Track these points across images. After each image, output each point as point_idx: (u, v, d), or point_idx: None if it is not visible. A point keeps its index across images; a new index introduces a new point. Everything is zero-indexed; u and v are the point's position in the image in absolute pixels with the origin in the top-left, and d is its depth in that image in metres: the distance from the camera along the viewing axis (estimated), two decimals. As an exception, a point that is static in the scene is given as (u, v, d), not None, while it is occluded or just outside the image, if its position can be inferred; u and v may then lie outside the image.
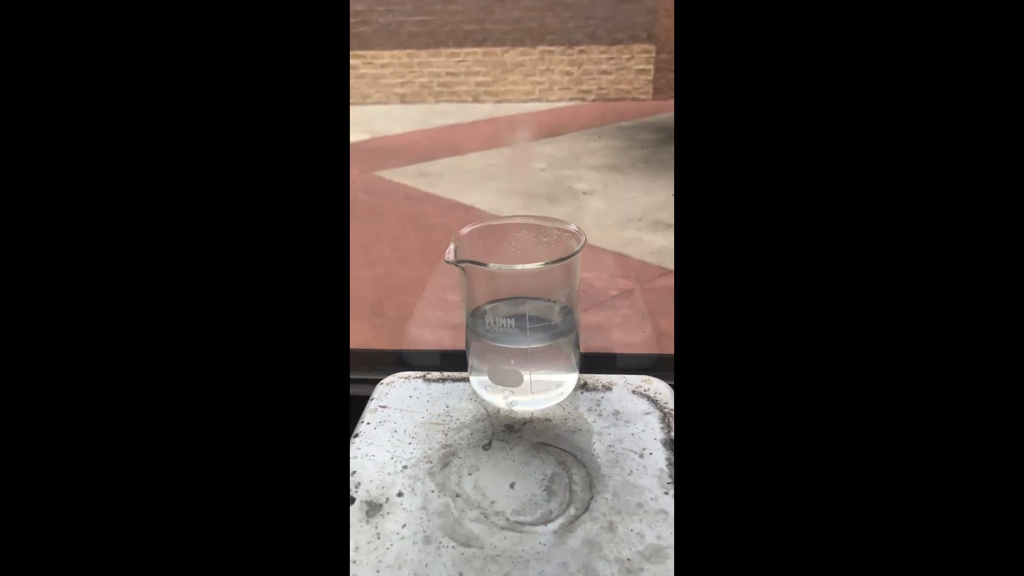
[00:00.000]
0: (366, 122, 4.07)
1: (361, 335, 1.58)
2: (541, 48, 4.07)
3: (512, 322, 0.36)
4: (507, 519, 0.31)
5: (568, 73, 4.08)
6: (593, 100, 4.06)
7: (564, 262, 0.35)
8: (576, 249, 0.36)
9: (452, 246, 0.36)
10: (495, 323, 0.36)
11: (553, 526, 0.30)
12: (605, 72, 4.01)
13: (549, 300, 0.38)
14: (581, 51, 4.02)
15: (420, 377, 0.43)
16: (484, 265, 0.35)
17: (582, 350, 0.46)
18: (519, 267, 0.35)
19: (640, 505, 0.31)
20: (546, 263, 0.35)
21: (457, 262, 0.35)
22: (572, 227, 0.38)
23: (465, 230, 0.38)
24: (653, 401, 0.39)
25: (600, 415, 0.38)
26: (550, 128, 3.65)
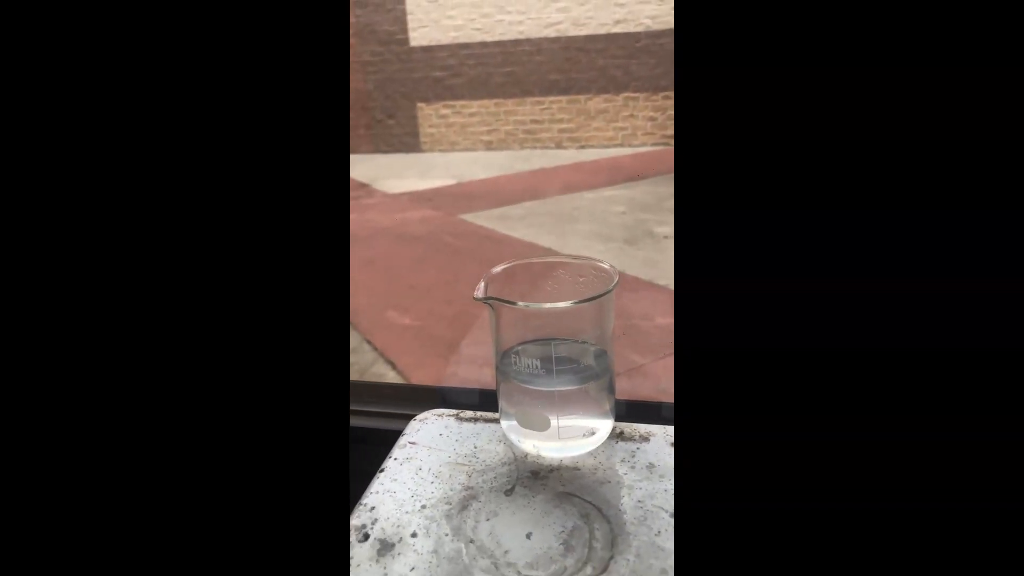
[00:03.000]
0: (453, 167, 4.25)
1: (437, 371, 1.61)
2: (625, 95, 4.10)
3: (538, 363, 0.35)
4: (518, 571, 0.29)
5: (652, 119, 4.08)
6: (678, 144, 4.01)
7: (595, 301, 0.34)
8: (608, 288, 0.34)
9: (482, 283, 0.36)
10: (521, 364, 0.35)
11: (566, 584, 0.28)
12: (690, 116, 3.96)
13: (581, 341, 0.36)
14: (666, 97, 4.01)
15: (453, 415, 0.42)
16: (513, 304, 0.34)
17: (631, 397, 0.44)
18: (547, 306, 0.34)
19: (664, 571, 0.29)
20: (575, 302, 0.34)
21: (485, 299, 0.35)
22: (606, 266, 0.37)
23: (497, 269, 0.38)
24: (693, 456, 0.36)
25: (633, 467, 0.36)
26: (632, 172, 3.63)
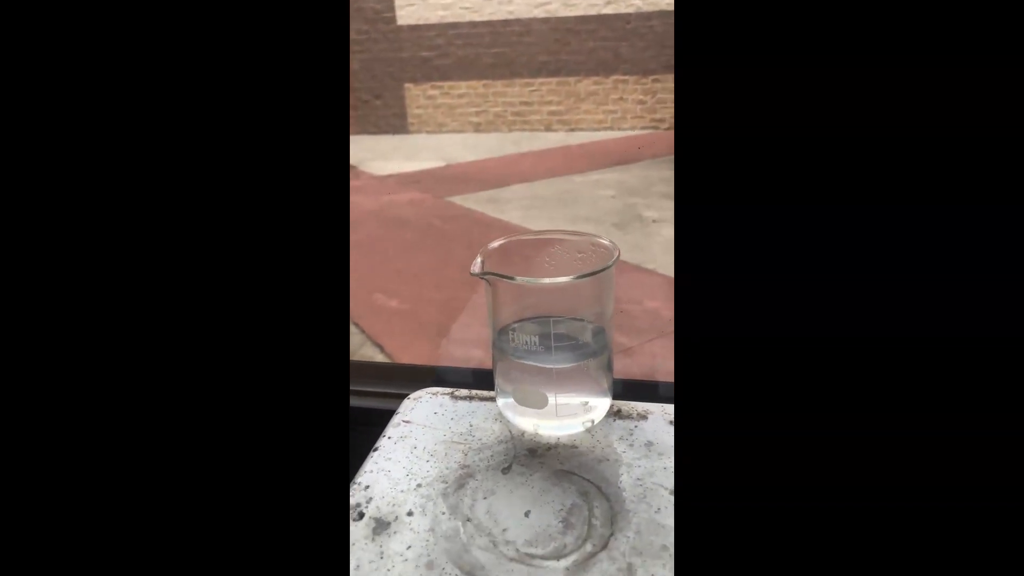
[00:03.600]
0: (441, 149, 4.20)
1: (426, 355, 1.61)
2: (615, 77, 4.07)
3: (536, 340, 0.34)
4: (517, 550, 0.29)
5: (642, 102, 4.05)
6: (667, 128, 4.00)
7: (594, 277, 0.33)
8: (608, 264, 0.34)
9: (479, 259, 0.35)
10: (519, 340, 0.34)
11: (566, 562, 0.28)
12: (680, 100, 3.96)
13: (579, 319, 0.36)
14: (656, 80, 3.99)
15: (448, 394, 0.41)
16: (511, 279, 0.34)
17: (626, 376, 0.43)
18: (545, 281, 0.34)
19: (665, 548, 0.28)
20: (575, 277, 0.33)
21: (482, 274, 0.34)
22: (607, 242, 0.36)
23: (494, 244, 0.37)
24: (692, 434, 0.36)
25: (631, 445, 0.35)
26: (621, 156, 3.62)
